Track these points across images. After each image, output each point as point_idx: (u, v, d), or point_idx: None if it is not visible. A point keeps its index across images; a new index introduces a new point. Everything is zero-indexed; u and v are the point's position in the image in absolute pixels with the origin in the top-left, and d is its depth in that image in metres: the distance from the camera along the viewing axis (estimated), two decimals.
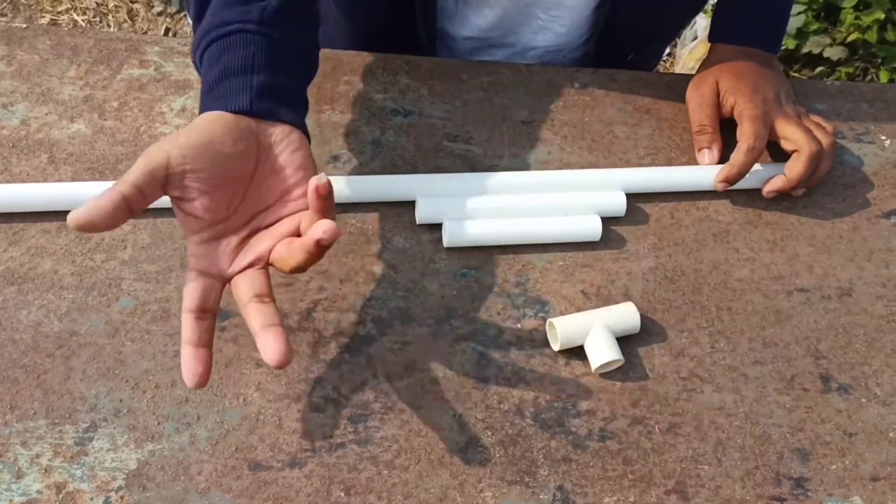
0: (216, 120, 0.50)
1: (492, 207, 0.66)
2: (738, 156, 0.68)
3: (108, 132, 0.68)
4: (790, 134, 0.69)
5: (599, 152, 0.72)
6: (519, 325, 0.63)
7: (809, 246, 0.69)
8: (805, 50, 1.81)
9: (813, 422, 0.61)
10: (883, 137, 0.75)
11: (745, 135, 0.69)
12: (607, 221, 0.68)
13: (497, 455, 0.58)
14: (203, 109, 0.52)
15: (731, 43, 0.77)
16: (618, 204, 0.68)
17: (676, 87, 0.77)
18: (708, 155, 0.72)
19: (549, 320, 0.62)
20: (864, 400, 0.62)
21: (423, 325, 0.62)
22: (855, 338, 0.65)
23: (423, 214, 0.66)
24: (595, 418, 0.60)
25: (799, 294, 0.67)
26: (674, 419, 0.60)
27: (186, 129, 0.49)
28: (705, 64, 0.76)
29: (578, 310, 0.64)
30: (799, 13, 1.83)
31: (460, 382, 0.60)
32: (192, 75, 0.72)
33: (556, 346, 0.62)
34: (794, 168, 0.68)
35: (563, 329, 0.61)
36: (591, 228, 0.67)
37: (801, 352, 0.64)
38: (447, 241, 0.65)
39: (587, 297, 0.65)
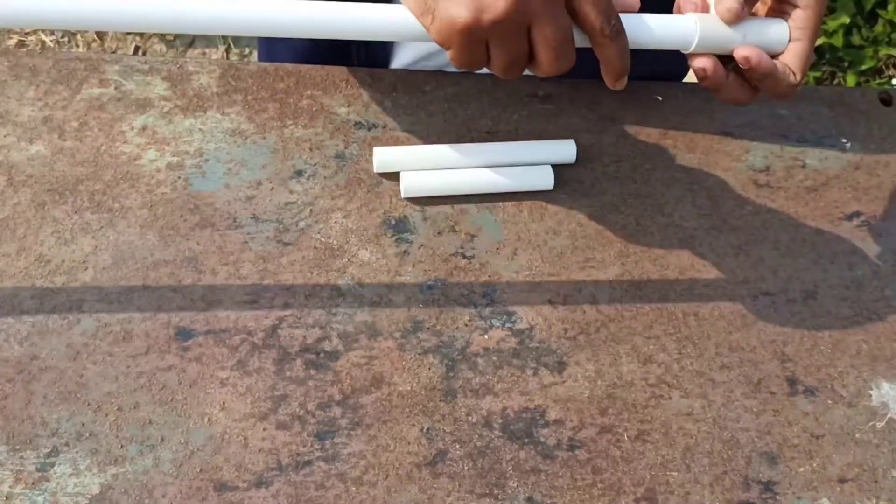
0: None
1: (449, 158, 0.69)
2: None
3: (68, 153, 0.67)
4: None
5: None
6: (486, 336, 0.63)
7: (774, 250, 0.69)
8: None
9: (780, 425, 0.61)
10: (844, 140, 0.76)
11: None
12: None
13: (466, 468, 0.57)
14: None
15: None
16: (568, 151, 0.71)
17: (641, 93, 0.78)
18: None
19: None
20: (830, 402, 0.62)
21: (390, 339, 0.62)
22: (820, 340, 0.65)
23: (380, 162, 0.68)
24: (564, 428, 0.60)
25: (764, 298, 0.67)
26: (642, 426, 0.60)
27: None
28: None
29: (545, 320, 0.64)
30: None
31: (428, 396, 0.60)
32: (153, 93, 0.71)
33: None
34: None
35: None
36: (544, 177, 0.70)
37: (767, 355, 0.64)
38: (404, 190, 0.67)
39: (554, 306, 0.65)
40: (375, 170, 0.69)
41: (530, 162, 0.70)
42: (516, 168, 0.70)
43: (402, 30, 0.54)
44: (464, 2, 0.48)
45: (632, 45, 0.55)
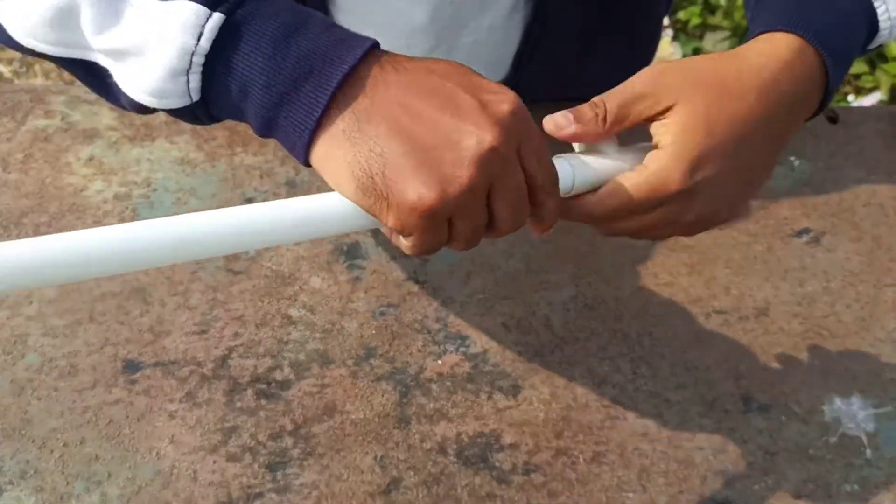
0: None
1: None
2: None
3: (13, 185, 0.66)
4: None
5: None
6: (440, 362, 0.63)
7: (726, 268, 0.70)
8: None
9: (735, 443, 0.61)
10: (792, 158, 0.77)
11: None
12: None
13: (420, 496, 0.57)
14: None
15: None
16: None
17: None
18: (562, 121, 0.50)
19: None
20: (784, 418, 0.62)
21: (342, 367, 0.61)
22: (773, 357, 0.65)
23: None
24: (519, 452, 0.59)
25: (717, 316, 0.67)
26: (598, 448, 0.60)
27: None
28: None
29: (499, 343, 0.64)
30: (724, 39, 1.88)
31: (381, 423, 0.59)
32: (100, 123, 0.70)
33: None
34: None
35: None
36: None
37: (721, 374, 0.64)
38: None
39: (507, 329, 0.65)
40: None
41: None
42: None
43: (343, 224, 0.44)
44: (423, 180, 0.41)
45: None
